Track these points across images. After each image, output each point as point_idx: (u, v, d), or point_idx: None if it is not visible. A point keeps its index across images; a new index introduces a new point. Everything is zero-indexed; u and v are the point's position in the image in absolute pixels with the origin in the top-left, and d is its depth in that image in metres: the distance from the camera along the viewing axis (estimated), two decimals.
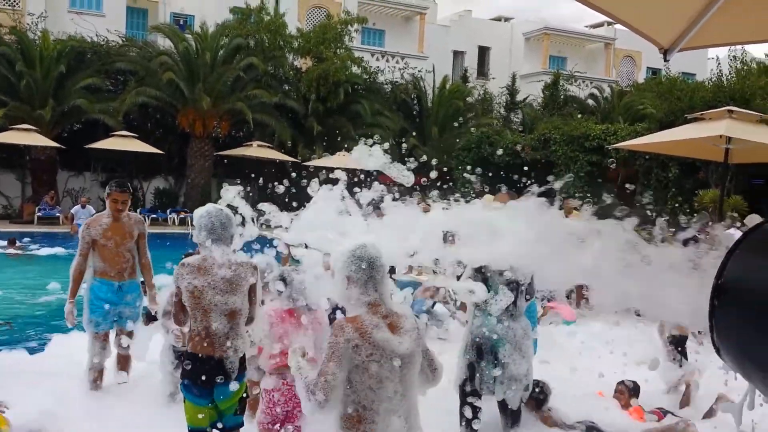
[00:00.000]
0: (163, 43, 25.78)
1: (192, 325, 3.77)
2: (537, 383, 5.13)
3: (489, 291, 4.48)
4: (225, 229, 3.85)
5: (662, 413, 5.73)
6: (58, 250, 15.29)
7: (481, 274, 4.59)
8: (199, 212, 3.92)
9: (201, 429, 3.74)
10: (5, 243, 16.08)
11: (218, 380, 3.67)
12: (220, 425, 3.81)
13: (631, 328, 6.74)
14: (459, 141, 24.85)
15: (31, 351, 6.91)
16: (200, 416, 3.71)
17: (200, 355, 3.67)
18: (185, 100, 23.44)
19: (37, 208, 21.45)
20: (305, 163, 23.29)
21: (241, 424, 3.96)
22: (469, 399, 4.65)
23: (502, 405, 4.75)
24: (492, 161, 21.38)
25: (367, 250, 3.09)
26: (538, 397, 5.23)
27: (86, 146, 22.22)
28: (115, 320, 5.79)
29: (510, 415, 4.77)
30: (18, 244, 16.29)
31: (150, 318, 5.97)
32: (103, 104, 22.55)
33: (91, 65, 23.76)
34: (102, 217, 5.73)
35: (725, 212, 12.19)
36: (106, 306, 5.65)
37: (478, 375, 4.67)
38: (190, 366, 3.68)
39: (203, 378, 3.64)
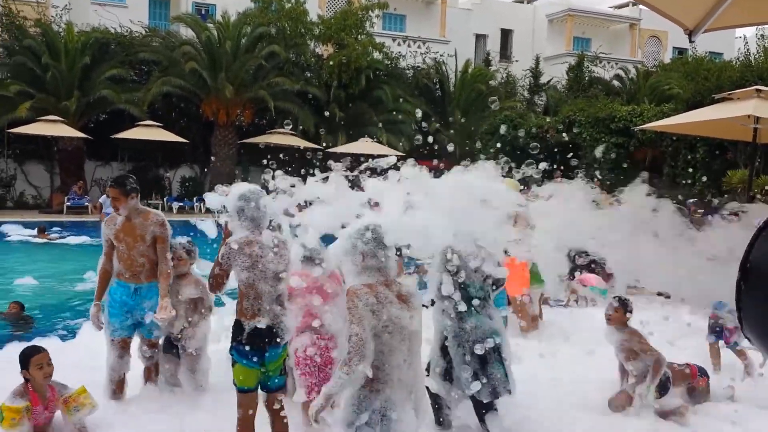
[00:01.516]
0: (186, 32, 25.91)
1: (244, 300, 4.08)
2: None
3: (464, 287, 4.37)
4: (262, 208, 4.12)
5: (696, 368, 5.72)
6: (86, 239, 15.56)
7: (448, 267, 4.25)
8: (236, 194, 4.14)
9: (249, 389, 4.11)
10: (35, 232, 16.41)
11: (269, 344, 4.04)
12: (267, 386, 4.21)
13: (658, 309, 6.76)
14: (483, 125, 24.72)
15: (63, 339, 7.04)
16: (250, 378, 4.09)
17: (253, 324, 4.02)
18: (208, 89, 23.58)
19: (66, 198, 21.80)
20: (328, 150, 23.35)
21: (285, 385, 4.34)
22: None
23: (477, 402, 4.58)
24: (516, 144, 21.25)
25: (376, 229, 3.45)
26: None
27: (112, 136, 22.51)
28: (134, 327, 5.32)
29: (485, 408, 4.61)
30: (47, 232, 16.61)
31: None
32: (128, 94, 22.79)
33: (115, 56, 23.99)
34: (117, 215, 5.27)
35: (754, 192, 12.02)
36: (122, 309, 5.23)
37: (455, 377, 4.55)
38: (244, 333, 4.02)
39: (256, 343, 4.01)
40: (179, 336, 5.40)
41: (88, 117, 23.44)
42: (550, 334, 7.71)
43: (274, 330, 4.07)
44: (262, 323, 4.03)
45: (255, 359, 4.04)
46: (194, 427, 4.74)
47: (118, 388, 5.30)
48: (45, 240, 16.17)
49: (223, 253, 4.08)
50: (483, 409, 4.57)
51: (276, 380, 4.19)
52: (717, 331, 6.59)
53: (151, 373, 5.53)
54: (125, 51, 24.34)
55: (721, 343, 6.59)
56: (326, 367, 4.72)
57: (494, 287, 4.78)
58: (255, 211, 4.11)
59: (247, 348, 4.02)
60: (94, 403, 4.72)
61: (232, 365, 4.12)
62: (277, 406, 4.20)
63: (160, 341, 5.51)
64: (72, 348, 6.65)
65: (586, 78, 30.17)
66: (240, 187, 4.22)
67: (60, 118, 21.34)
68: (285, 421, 4.24)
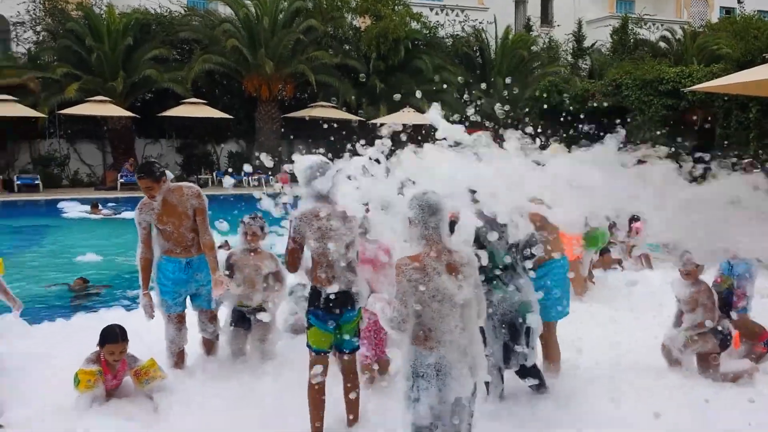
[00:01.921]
0: (224, 10, 26.08)
1: (318, 268, 4.23)
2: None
3: (490, 260, 4.16)
4: (329, 179, 4.17)
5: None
6: None
7: (476, 241, 4.14)
8: (304, 165, 4.22)
9: (324, 350, 4.28)
10: (89, 208, 16.96)
11: (344, 308, 4.20)
12: (340, 348, 4.37)
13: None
14: (526, 91, 24.37)
15: (127, 308, 7.30)
16: (323, 339, 4.26)
17: (329, 289, 4.16)
18: (249, 65, 23.77)
19: (118, 175, 22.35)
20: (370, 121, 23.37)
21: (357, 347, 4.47)
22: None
23: (524, 370, 4.59)
24: (561, 110, 20.94)
25: (424, 195, 3.52)
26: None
27: (158, 114, 22.91)
28: (189, 299, 5.37)
29: (533, 375, 4.66)
30: (100, 207, 17.13)
31: None
32: (171, 73, 23.18)
33: (157, 36, 24.34)
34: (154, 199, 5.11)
35: None
36: (175, 285, 5.24)
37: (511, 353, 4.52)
38: (320, 299, 4.18)
39: (331, 308, 4.17)
40: (255, 308, 5.41)
41: (134, 96, 23.86)
42: (605, 297, 7.69)
43: (348, 294, 4.21)
44: (336, 289, 4.16)
45: (330, 323, 4.20)
46: (260, 393, 4.84)
47: (179, 359, 5.36)
48: (101, 216, 16.68)
49: (294, 227, 4.17)
50: (527, 376, 4.61)
51: (349, 342, 4.32)
52: (724, 298, 6.24)
53: (212, 346, 5.55)
54: (166, 31, 24.67)
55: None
56: (380, 332, 4.99)
57: (527, 255, 4.53)
58: (322, 182, 4.17)
59: (323, 313, 4.18)
60: (163, 375, 4.90)
61: (308, 328, 4.29)
62: (349, 367, 4.38)
63: (226, 315, 5.51)
64: (135, 316, 6.85)
65: (631, 40, 29.45)
66: (307, 159, 4.28)
67: (108, 98, 21.80)
68: (356, 381, 4.40)
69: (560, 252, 5.19)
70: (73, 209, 17.42)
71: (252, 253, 5.47)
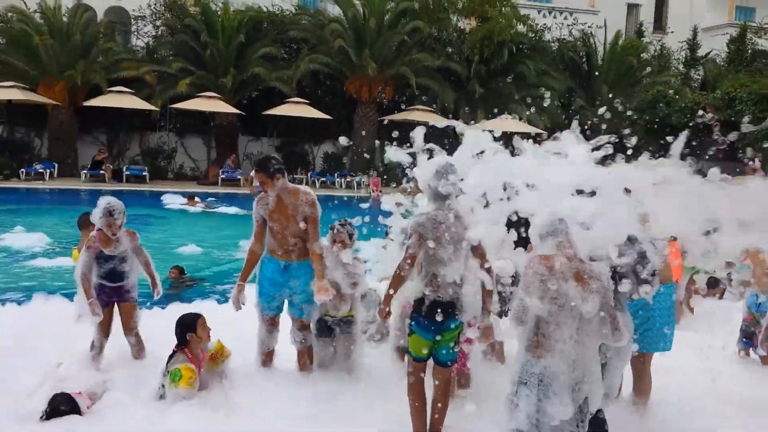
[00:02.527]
0: (333, 10, 26.57)
1: (427, 275, 4.24)
2: None
3: None
4: (452, 183, 4.22)
5: None
6: (239, 210, 16.57)
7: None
8: (427, 170, 4.29)
9: (422, 358, 4.32)
10: (185, 200, 17.74)
11: (446, 317, 4.21)
12: (437, 358, 4.36)
13: None
14: (633, 101, 23.46)
15: (219, 302, 7.60)
16: (424, 349, 4.28)
17: (435, 298, 4.20)
18: (353, 66, 24.11)
19: (220, 171, 23.27)
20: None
21: (455, 360, 4.46)
22: None
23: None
24: (669, 123, 20.08)
25: (557, 212, 3.72)
26: None
27: (263, 113, 23.64)
28: (286, 304, 5.34)
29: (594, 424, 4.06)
30: (197, 200, 17.87)
31: None
32: (279, 72, 23.80)
33: (267, 34, 25.04)
34: (268, 195, 5.16)
35: None
36: (271, 286, 5.25)
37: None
38: (424, 306, 4.21)
39: (436, 316, 4.17)
40: (340, 319, 5.35)
41: (242, 94, 24.68)
42: (703, 324, 7.37)
43: (453, 304, 4.22)
44: (441, 297, 4.19)
45: (430, 331, 4.22)
46: (344, 408, 4.84)
47: (267, 357, 5.46)
48: (199, 208, 17.46)
49: (415, 231, 4.18)
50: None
51: (445, 352, 4.29)
52: (749, 335, 6.23)
53: (304, 359, 5.46)
54: (276, 29, 25.34)
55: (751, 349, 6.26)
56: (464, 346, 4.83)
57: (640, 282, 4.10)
58: (446, 187, 4.19)
59: (425, 320, 4.21)
60: (228, 352, 5.25)
61: (409, 335, 4.34)
62: (443, 378, 4.35)
63: (312, 324, 5.40)
64: (224, 309, 7.09)
65: (749, 51, 27.84)
66: (433, 162, 4.35)
67: (217, 95, 22.71)
68: (448, 393, 4.41)
69: (668, 278, 4.93)
70: (173, 201, 18.25)
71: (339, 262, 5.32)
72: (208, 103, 22.58)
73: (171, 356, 4.97)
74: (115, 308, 5.61)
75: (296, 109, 23.31)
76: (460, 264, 4.22)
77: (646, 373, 4.88)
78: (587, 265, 3.59)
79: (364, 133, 24.54)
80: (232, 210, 16.90)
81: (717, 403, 5.07)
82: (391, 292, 4.27)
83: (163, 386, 4.86)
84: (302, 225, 5.08)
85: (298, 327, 5.35)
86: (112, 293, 5.54)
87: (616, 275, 4.01)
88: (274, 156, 5.46)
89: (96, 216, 5.37)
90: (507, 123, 22.01)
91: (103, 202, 5.40)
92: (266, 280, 5.27)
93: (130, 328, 5.63)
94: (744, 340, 6.29)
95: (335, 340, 5.38)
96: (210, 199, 18.87)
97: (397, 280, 4.24)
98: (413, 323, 4.29)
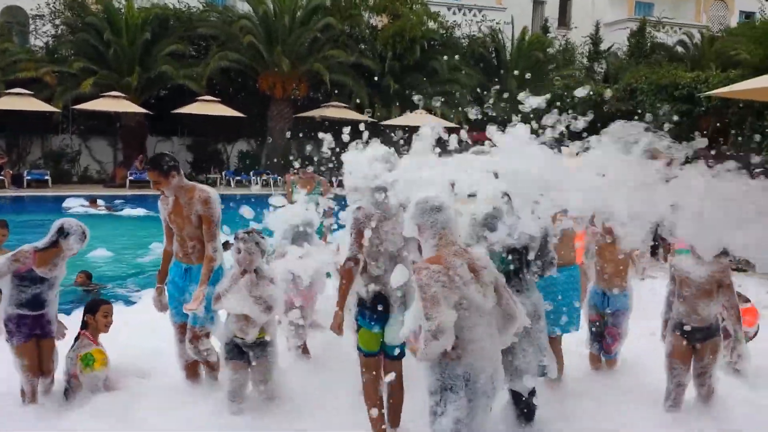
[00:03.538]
0: (242, 6, 26.11)
1: (370, 269, 4.21)
2: None
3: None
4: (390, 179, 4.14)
5: None
6: (148, 212, 15.98)
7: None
8: (362, 163, 4.22)
9: (373, 352, 4.28)
10: (87, 203, 17.06)
11: (390, 310, 4.20)
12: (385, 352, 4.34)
13: None
14: (540, 94, 24.13)
15: (127, 304, 7.32)
16: (373, 343, 4.25)
17: (380, 291, 4.18)
18: (265, 63, 23.77)
19: (128, 172, 22.43)
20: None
21: (404, 353, 4.34)
22: None
23: (514, 395, 4.28)
24: (574, 113, 20.74)
25: (432, 198, 3.49)
26: None
27: (172, 111, 22.95)
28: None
29: (522, 405, 4.28)
30: (99, 203, 17.23)
31: None
32: (187, 70, 23.18)
33: (174, 32, 24.33)
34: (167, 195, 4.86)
35: None
36: (174, 290, 4.95)
37: None
38: (371, 299, 4.18)
39: (379, 308, 4.17)
40: (253, 343, 4.70)
41: (149, 93, 23.92)
42: None
43: (389, 299, 4.19)
44: (385, 289, 4.15)
45: (378, 323, 4.18)
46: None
47: (189, 370, 5.08)
48: (101, 211, 16.82)
49: (355, 223, 4.13)
50: (520, 401, 4.25)
51: (394, 347, 4.27)
52: (598, 337, 5.54)
53: (195, 370, 5.08)
54: (184, 26, 24.68)
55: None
56: None
57: (538, 263, 4.28)
58: (385, 178, 4.15)
59: (372, 314, 4.18)
60: (101, 364, 4.84)
61: (357, 330, 4.27)
62: (393, 372, 4.28)
63: (217, 342, 4.88)
64: (133, 313, 6.86)
65: (648, 44, 29.14)
66: (369, 152, 4.28)
67: (122, 94, 21.87)
68: (402, 386, 4.36)
69: (572, 261, 5.08)
70: (75, 205, 17.47)
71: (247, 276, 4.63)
72: (114, 103, 21.69)
73: (76, 339, 4.93)
74: None
75: (207, 107, 22.75)
76: (403, 255, 4.20)
77: (558, 353, 4.92)
78: (473, 254, 3.44)
79: (278, 130, 24.25)
80: (140, 211, 16.32)
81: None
82: (340, 304, 4.23)
83: (69, 375, 4.76)
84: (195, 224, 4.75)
85: (192, 335, 4.82)
86: (34, 325, 4.75)
87: (523, 255, 4.18)
88: (167, 153, 5.11)
89: (71, 239, 4.77)
90: (421, 117, 22.23)
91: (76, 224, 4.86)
92: (171, 284, 5.01)
93: (48, 371, 4.83)
94: (596, 343, 5.54)
95: (250, 365, 4.77)
96: (116, 201, 18.16)
97: (347, 285, 4.20)
98: (359, 318, 4.24)
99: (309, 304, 5.75)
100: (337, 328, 4.23)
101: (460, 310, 3.24)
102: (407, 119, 22.34)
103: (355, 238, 4.14)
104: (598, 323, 5.48)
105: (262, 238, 4.69)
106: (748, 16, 33.68)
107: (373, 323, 4.19)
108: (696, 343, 4.67)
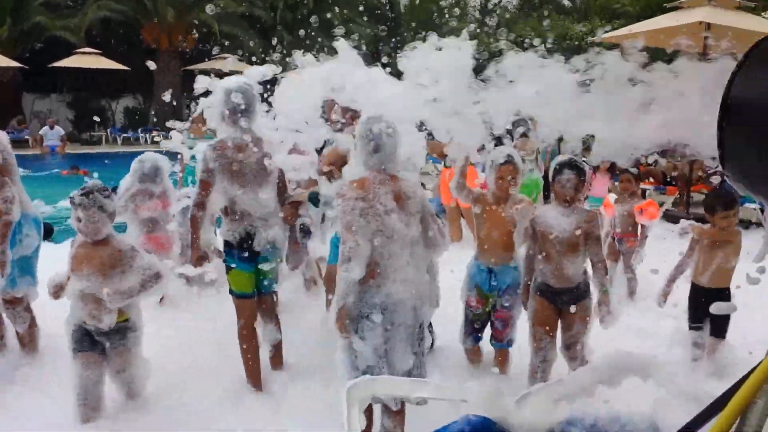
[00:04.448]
0: None
1: (232, 210, 4.00)
2: None
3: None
4: (251, 104, 4.01)
5: None
6: (27, 172, 14.99)
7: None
8: (223, 87, 3.98)
9: (247, 293, 4.10)
10: None
11: (263, 249, 4.03)
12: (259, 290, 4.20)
13: None
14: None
15: None
16: (247, 283, 4.08)
17: (248, 230, 3.99)
18: (148, 12, 22.53)
19: (6, 131, 20.82)
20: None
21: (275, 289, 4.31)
22: None
23: None
24: None
25: (377, 120, 3.29)
26: None
27: (49, 65, 21.44)
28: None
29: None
30: None
31: None
32: (64, 21, 21.74)
33: None
34: None
35: None
36: None
37: None
38: (239, 239, 3.99)
39: (253, 247, 4.00)
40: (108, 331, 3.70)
41: (22, 46, 22.24)
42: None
43: (263, 236, 4.03)
44: (250, 230, 3.98)
45: (251, 263, 4.03)
46: None
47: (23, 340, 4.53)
48: None
49: (206, 159, 3.89)
50: None
51: (267, 283, 4.17)
52: (478, 327, 4.53)
53: (23, 341, 4.52)
54: None
55: None
56: None
57: None
58: (244, 107, 3.94)
59: (242, 253, 3.99)
60: None
61: (227, 272, 4.07)
62: (266, 304, 4.22)
63: (68, 335, 3.75)
64: None
65: None
66: (228, 81, 4.03)
67: None
68: (278, 323, 4.28)
69: None
70: None
71: (96, 245, 3.64)
72: None
73: None
74: None
75: (87, 60, 21.37)
76: (267, 194, 4.02)
77: None
78: (401, 182, 3.29)
79: (166, 84, 23.16)
80: (23, 172, 15.17)
81: None
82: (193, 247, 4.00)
83: None
84: None
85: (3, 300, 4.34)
86: None
87: None
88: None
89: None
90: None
91: None
92: None
93: None
94: (473, 333, 4.49)
95: (105, 356, 3.74)
96: None
97: (194, 234, 3.97)
98: (228, 259, 4.03)
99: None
100: (195, 260, 4.01)
101: (381, 238, 3.12)
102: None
103: (200, 180, 3.93)
104: (478, 310, 4.40)
105: (107, 197, 3.66)
106: None
107: (244, 263, 4.02)
108: (563, 306, 4.00)
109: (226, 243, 4.04)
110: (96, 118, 22.37)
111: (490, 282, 4.31)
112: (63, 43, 21.82)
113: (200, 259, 3.98)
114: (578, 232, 3.88)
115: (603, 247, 4.29)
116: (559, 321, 4.04)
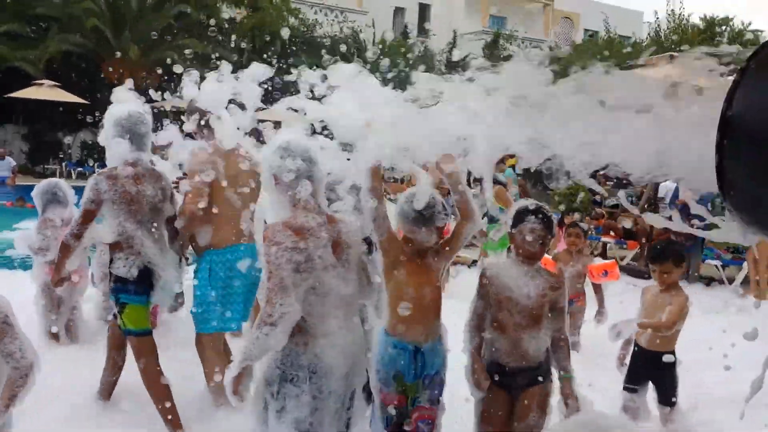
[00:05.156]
0: None
1: (123, 239, 3.79)
2: None
3: None
4: (146, 126, 4.02)
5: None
6: None
7: None
8: (115, 114, 3.97)
9: (148, 329, 3.85)
10: None
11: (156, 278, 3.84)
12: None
13: None
14: None
15: None
16: (143, 317, 3.82)
17: (139, 268, 3.76)
18: (111, 48, 22.25)
19: None
20: None
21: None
22: None
23: None
24: None
25: (298, 143, 2.77)
26: None
27: (5, 95, 20.85)
28: None
29: None
30: None
31: None
32: (24, 52, 21.29)
33: (8, 10, 22.15)
34: None
35: None
36: None
37: None
38: (135, 272, 3.74)
39: (150, 279, 3.81)
40: None
41: None
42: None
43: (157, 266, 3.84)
44: (147, 263, 3.78)
45: (145, 296, 3.81)
46: None
47: None
48: None
49: (93, 187, 3.71)
50: None
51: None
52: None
53: None
54: (21, 5, 22.43)
55: None
56: None
57: None
58: (139, 129, 3.87)
59: (137, 287, 3.76)
60: None
61: (121, 311, 3.77)
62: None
63: None
64: None
65: (501, 56, 30.48)
66: (118, 108, 3.96)
67: None
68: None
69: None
70: None
71: None
72: None
73: None
74: None
75: (45, 92, 20.85)
76: (157, 225, 3.87)
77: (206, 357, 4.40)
78: (341, 225, 2.77)
79: None
80: None
81: None
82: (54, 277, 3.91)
83: None
84: None
85: None
86: None
87: None
88: None
89: None
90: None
91: None
92: None
93: None
94: None
95: None
96: None
97: (61, 260, 3.82)
98: (123, 295, 3.74)
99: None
100: (56, 283, 3.86)
101: (312, 296, 2.61)
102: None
103: (85, 209, 3.71)
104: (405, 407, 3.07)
105: None
106: (592, 34, 36.11)
107: (141, 296, 3.77)
108: (516, 391, 3.19)
109: (118, 279, 3.74)
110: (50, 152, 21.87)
111: (416, 368, 3.02)
112: (22, 74, 21.33)
113: (61, 281, 3.79)
114: (544, 299, 3.14)
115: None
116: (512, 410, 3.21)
